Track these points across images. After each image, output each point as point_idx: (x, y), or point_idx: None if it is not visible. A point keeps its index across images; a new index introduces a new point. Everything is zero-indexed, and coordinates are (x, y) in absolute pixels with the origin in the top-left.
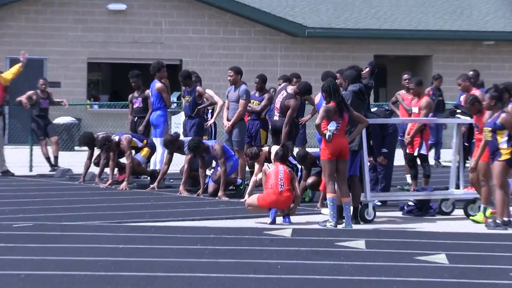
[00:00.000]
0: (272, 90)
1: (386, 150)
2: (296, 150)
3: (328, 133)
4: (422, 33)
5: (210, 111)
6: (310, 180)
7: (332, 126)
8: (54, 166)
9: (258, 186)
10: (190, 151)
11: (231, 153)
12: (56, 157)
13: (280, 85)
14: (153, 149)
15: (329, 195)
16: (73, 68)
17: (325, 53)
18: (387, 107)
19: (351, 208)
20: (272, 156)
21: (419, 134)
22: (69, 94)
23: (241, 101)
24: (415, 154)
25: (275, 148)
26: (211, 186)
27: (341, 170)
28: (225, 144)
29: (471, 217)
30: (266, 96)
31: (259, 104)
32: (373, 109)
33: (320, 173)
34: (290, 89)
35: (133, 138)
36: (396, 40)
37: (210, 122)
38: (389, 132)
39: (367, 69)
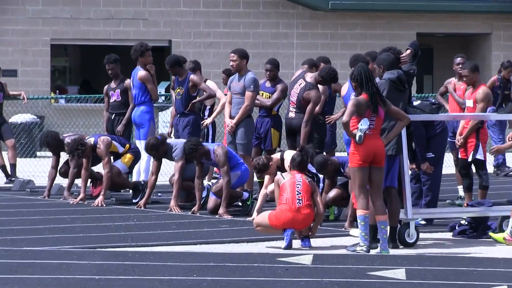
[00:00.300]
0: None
1: (433, 155)
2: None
3: (358, 133)
4: (478, 5)
5: (208, 107)
6: (332, 193)
7: (363, 124)
8: (11, 176)
9: (269, 201)
10: (186, 155)
11: (238, 160)
12: (13, 166)
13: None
14: (137, 156)
15: (360, 212)
16: (33, 52)
17: (354, 31)
18: (433, 100)
19: (388, 228)
20: (287, 164)
21: (474, 135)
22: (28, 85)
23: (248, 93)
24: (469, 159)
25: (289, 154)
26: (211, 201)
27: (375, 180)
28: (231, 149)
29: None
30: (279, 87)
31: (270, 97)
32: (415, 103)
33: (345, 185)
34: (310, 77)
35: (113, 142)
36: (445, 14)
37: (207, 121)
38: (436, 131)
39: (408, 52)
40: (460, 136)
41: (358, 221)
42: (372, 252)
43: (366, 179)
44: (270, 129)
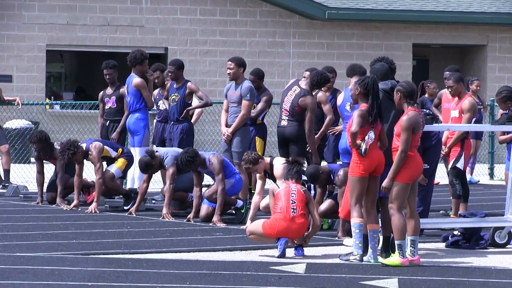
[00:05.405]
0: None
1: (428, 166)
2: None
3: (364, 146)
4: (474, 16)
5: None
6: (324, 206)
7: (370, 137)
8: (4, 182)
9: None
10: (183, 166)
11: (233, 170)
12: (7, 171)
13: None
14: (130, 160)
15: (355, 220)
16: (28, 57)
17: (351, 40)
18: (428, 111)
19: (380, 237)
20: (276, 171)
21: (460, 144)
22: (23, 91)
23: (244, 102)
24: (449, 166)
25: (279, 161)
26: (203, 209)
27: (373, 189)
28: (226, 157)
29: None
30: (263, 98)
31: (254, 107)
32: None
33: (336, 197)
34: (305, 84)
35: (105, 146)
36: (442, 25)
37: None
38: (432, 143)
39: None
40: (444, 146)
41: (353, 229)
42: (366, 261)
43: (365, 189)
44: (254, 138)
